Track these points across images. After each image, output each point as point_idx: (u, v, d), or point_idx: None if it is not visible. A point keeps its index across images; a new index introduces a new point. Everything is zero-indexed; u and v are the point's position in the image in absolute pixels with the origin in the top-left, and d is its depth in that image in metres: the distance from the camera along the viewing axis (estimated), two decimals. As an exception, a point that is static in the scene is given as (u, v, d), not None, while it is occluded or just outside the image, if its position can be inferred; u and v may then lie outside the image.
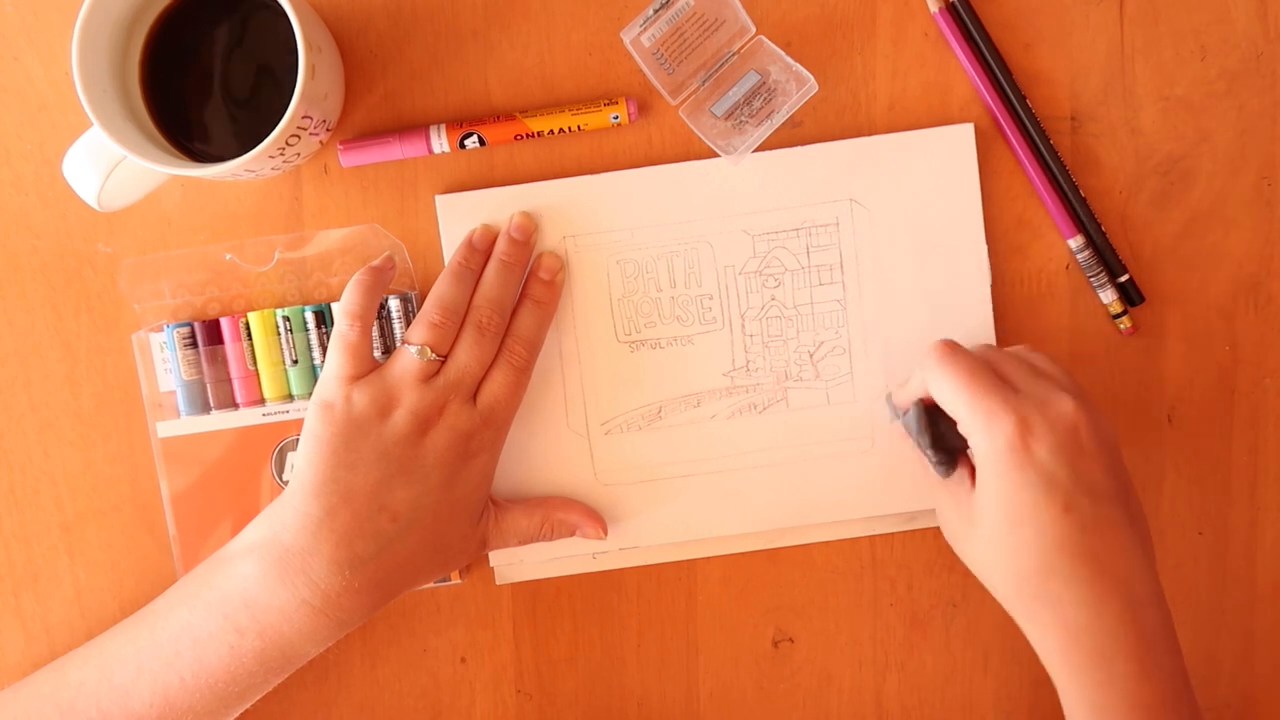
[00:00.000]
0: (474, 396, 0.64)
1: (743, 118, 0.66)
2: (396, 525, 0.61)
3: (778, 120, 0.65)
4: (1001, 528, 0.57)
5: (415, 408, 0.62)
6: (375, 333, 0.67)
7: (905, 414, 0.64)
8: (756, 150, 0.66)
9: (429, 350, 0.63)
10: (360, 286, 0.63)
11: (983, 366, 0.58)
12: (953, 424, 0.60)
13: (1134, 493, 0.59)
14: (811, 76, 0.65)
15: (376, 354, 0.66)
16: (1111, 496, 0.56)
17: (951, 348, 0.59)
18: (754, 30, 0.65)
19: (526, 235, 0.66)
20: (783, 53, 0.65)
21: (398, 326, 0.67)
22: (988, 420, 0.56)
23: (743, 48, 0.66)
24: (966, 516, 0.60)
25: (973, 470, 0.61)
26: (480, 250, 0.66)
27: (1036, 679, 0.71)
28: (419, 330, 0.63)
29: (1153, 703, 0.55)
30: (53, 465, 0.69)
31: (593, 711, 0.71)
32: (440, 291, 0.65)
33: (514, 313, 0.66)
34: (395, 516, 0.61)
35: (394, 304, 0.67)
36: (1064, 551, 0.55)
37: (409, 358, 0.63)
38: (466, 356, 0.64)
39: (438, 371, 0.63)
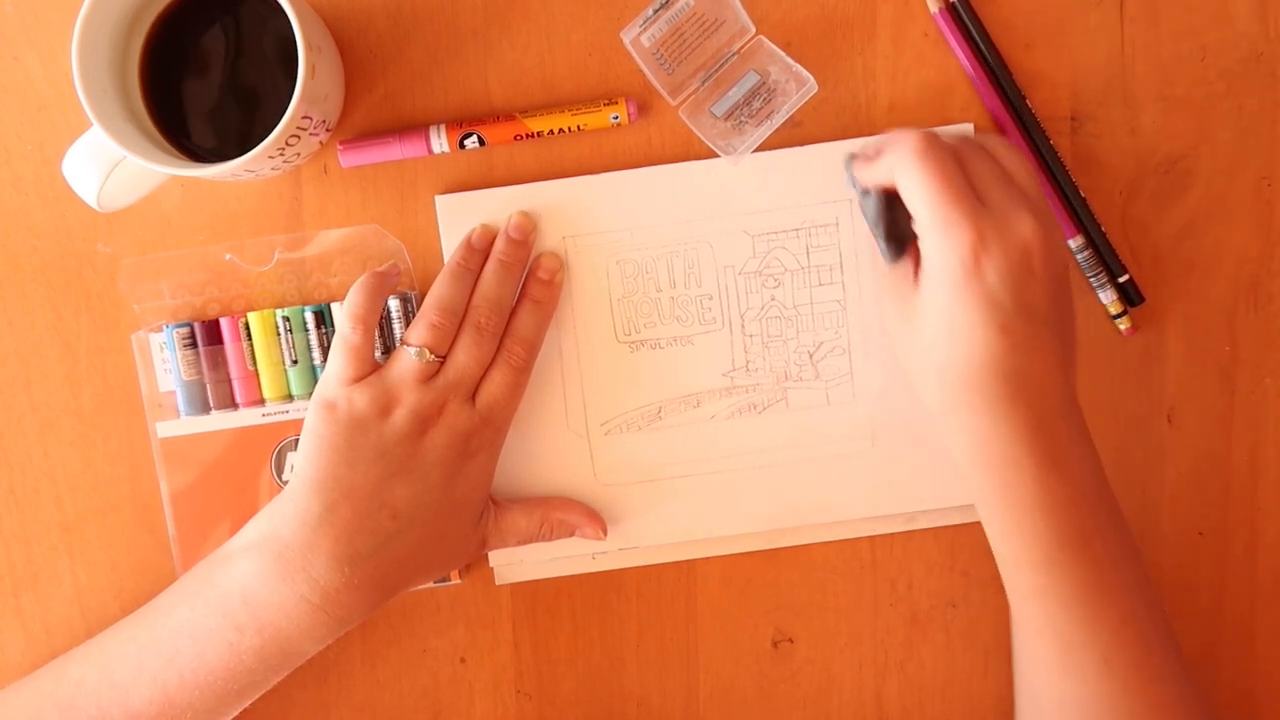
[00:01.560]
0: (473, 396, 0.64)
1: (742, 118, 0.66)
2: (397, 523, 0.62)
3: (777, 120, 0.65)
4: (939, 337, 0.58)
5: (415, 408, 0.62)
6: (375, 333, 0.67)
7: (865, 194, 0.63)
8: (756, 150, 0.66)
9: (428, 351, 0.63)
10: (365, 290, 0.63)
11: (955, 170, 0.58)
12: (910, 215, 0.60)
13: (1070, 309, 0.61)
14: (811, 77, 0.65)
15: (377, 354, 0.66)
16: (1046, 318, 0.58)
17: (930, 143, 0.58)
18: (754, 30, 0.65)
19: (525, 235, 0.66)
20: (783, 53, 0.65)
21: (397, 327, 0.67)
22: (945, 230, 0.57)
23: (743, 48, 0.66)
24: (906, 313, 0.61)
25: (918, 261, 0.60)
26: (479, 250, 0.66)
27: (1036, 679, 0.71)
28: (418, 331, 0.64)
29: (1059, 500, 0.58)
30: (53, 465, 0.69)
31: (593, 712, 0.71)
32: (439, 292, 0.65)
33: (513, 312, 0.66)
34: (395, 514, 0.61)
35: (394, 304, 0.67)
36: (990, 369, 0.57)
37: (408, 359, 0.63)
38: (465, 357, 0.64)
39: (437, 372, 0.63)
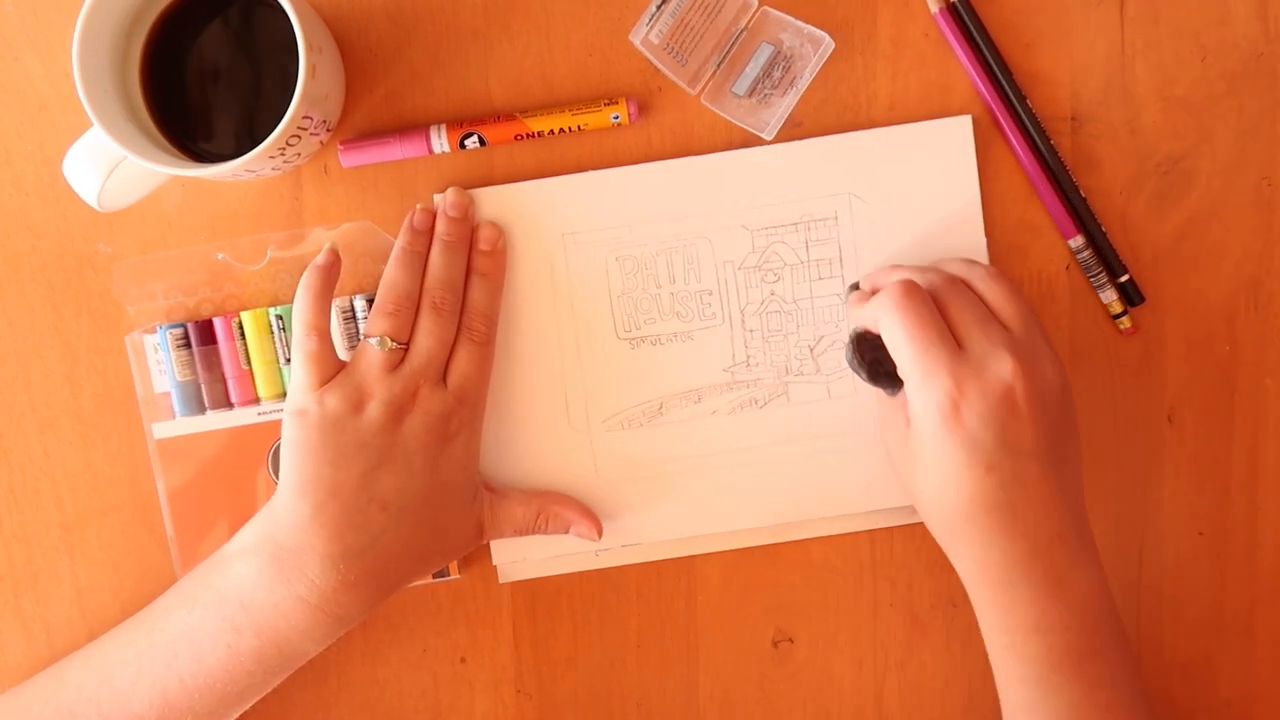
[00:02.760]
0: (444, 379, 0.64)
1: (766, 90, 0.66)
2: (387, 514, 0.62)
3: (802, 85, 0.65)
4: (930, 476, 0.60)
5: (387, 398, 0.62)
6: (347, 332, 0.67)
7: (848, 342, 0.65)
8: (753, 148, 0.66)
9: (389, 340, 0.63)
10: (310, 294, 0.62)
11: (932, 317, 0.59)
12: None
13: (1068, 431, 0.61)
14: (827, 35, 0.65)
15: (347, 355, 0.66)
16: (1036, 451, 0.59)
17: (908, 293, 0.60)
18: (756, 3, 0.65)
19: (463, 211, 0.66)
20: (791, 18, 0.65)
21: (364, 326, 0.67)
22: (924, 380, 0.59)
23: (750, 23, 0.66)
24: (902, 447, 0.62)
25: None
26: (422, 232, 0.66)
27: (1037, 679, 0.71)
28: (377, 322, 0.63)
29: (1055, 624, 0.60)
30: (53, 465, 0.69)
31: (593, 711, 0.71)
32: (391, 279, 0.64)
33: (464, 289, 0.66)
34: (384, 505, 0.61)
35: (359, 304, 0.67)
36: (980, 503, 0.59)
37: (372, 351, 0.63)
38: (428, 340, 0.63)
39: (403, 360, 0.63)
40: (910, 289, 0.60)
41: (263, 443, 0.68)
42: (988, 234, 0.67)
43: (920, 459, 0.60)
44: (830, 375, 0.68)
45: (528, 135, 0.66)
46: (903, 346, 0.59)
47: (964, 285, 0.62)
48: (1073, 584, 0.59)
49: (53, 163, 0.67)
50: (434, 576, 0.69)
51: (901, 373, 0.60)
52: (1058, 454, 0.60)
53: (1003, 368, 0.58)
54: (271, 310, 0.67)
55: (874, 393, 0.66)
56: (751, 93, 0.66)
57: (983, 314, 0.60)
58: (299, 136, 0.60)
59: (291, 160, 0.62)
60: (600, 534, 0.68)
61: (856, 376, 0.65)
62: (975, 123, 0.67)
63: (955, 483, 0.59)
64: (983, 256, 0.67)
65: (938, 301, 0.61)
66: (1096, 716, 0.60)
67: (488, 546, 0.69)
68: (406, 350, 0.63)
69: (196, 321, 0.67)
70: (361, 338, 0.64)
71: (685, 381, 0.68)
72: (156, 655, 0.62)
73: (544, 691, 0.71)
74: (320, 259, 0.63)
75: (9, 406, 0.68)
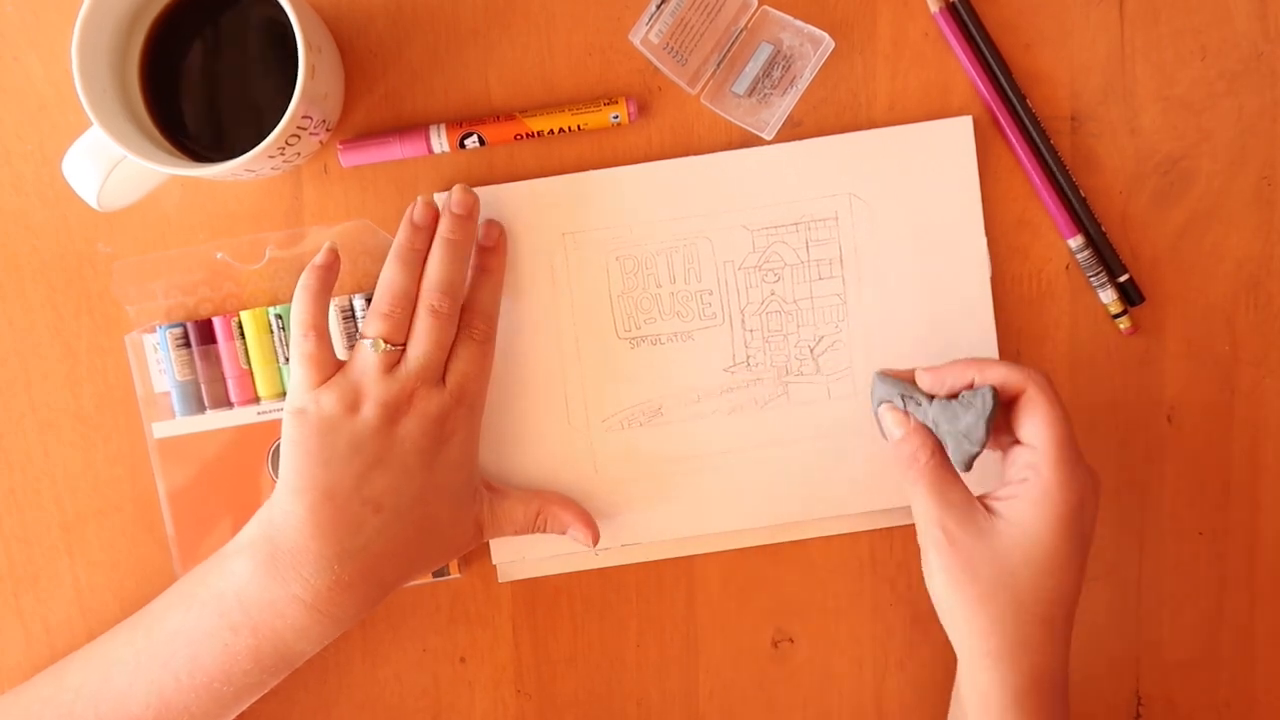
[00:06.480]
0: (442, 378, 0.64)
1: (765, 90, 0.66)
2: (381, 516, 0.61)
3: (802, 85, 0.65)
4: (1030, 565, 0.59)
5: (382, 399, 0.62)
6: (346, 331, 0.67)
7: (977, 393, 0.60)
8: (753, 146, 0.66)
9: (384, 342, 0.62)
10: (309, 294, 0.62)
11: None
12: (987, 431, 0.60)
13: None
14: (826, 35, 0.65)
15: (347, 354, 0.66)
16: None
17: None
18: (756, 3, 0.65)
19: (469, 210, 0.65)
20: (791, 18, 0.65)
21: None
22: (1074, 469, 0.59)
23: (750, 22, 0.66)
24: (976, 528, 0.60)
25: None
26: (423, 228, 0.64)
27: (1037, 679, 0.71)
28: (373, 323, 0.63)
29: None
30: (53, 465, 0.69)
31: (592, 711, 0.71)
32: (388, 279, 0.63)
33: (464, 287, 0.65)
34: (379, 507, 0.61)
35: (358, 304, 0.67)
36: (1069, 603, 0.60)
37: (367, 352, 0.62)
38: (425, 342, 0.63)
39: (400, 360, 0.63)
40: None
41: (262, 442, 0.68)
42: (988, 234, 0.67)
43: (1026, 544, 0.59)
44: (830, 376, 0.68)
45: (527, 135, 0.66)
46: (1062, 432, 0.59)
47: None
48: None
49: (52, 163, 0.67)
50: (434, 576, 0.69)
51: (1042, 455, 0.59)
52: None
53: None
54: (271, 309, 0.67)
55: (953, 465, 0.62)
56: (751, 92, 0.66)
57: None
58: (298, 136, 0.60)
59: (291, 160, 0.62)
60: (596, 541, 0.67)
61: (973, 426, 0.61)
62: (975, 123, 0.67)
63: (1063, 576, 0.59)
64: (982, 255, 0.67)
65: None
66: None
67: (487, 546, 0.69)
68: (404, 350, 0.63)
69: (196, 321, 0.67)
70: (358, 337, 0.64)
71: (685, 381, 0.68)
72: (154, 654, 0.62)
73: (544, 691, 0.71)
74: (319, 258, 0.63)
75: (9, 406, 0.68)
